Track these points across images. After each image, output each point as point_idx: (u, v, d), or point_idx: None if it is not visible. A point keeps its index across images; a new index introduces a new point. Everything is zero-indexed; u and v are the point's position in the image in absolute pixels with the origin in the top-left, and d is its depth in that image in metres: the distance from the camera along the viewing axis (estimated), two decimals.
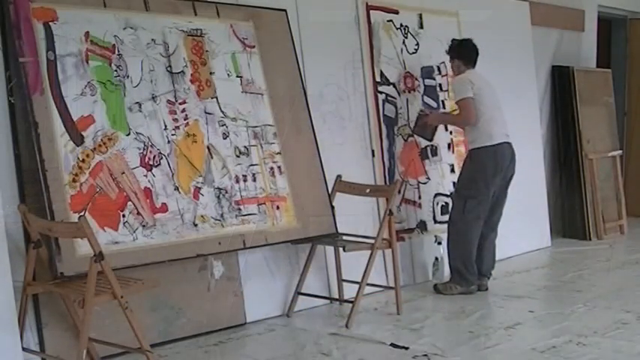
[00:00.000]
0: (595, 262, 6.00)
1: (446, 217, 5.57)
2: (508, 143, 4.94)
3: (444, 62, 5.73)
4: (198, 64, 4.21)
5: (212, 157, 4.15)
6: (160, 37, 4.08)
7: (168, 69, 4.09)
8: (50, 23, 3.68)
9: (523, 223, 6.22)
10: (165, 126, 4.00)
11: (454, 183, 5.67)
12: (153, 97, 3.99)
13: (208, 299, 4.21)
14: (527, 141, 6.51)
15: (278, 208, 4.35)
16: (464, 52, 5.09)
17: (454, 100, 4.97)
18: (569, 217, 7.00)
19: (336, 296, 4.76)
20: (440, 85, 5.69)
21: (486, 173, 4.86)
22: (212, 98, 4.23)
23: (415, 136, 5.46)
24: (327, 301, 4.77)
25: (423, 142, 5.50)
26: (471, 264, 4.91)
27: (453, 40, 5.25)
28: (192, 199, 4.00)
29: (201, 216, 4.01)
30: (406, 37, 5.52)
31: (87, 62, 3.78)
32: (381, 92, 5.28)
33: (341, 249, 4.51)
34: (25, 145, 3.58)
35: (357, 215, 4.86)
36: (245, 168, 4.27)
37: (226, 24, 4.40)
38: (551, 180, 6.97)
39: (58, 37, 3.69)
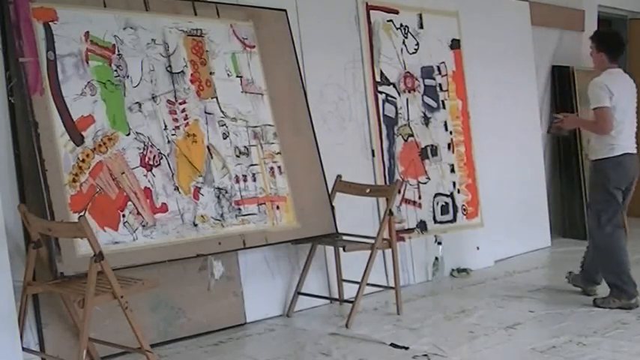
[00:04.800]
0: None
1: (446, 217, 5.59)
2: (631, 154, 4.65)
3: (444, 62, 5.73)
4: (198, 64, 4.21)
5: (212, 157, 4.15)
6: (160, 37, 4.08)
7: (168, 69, 4.09)
8: (50, 23, 3.68)
9: (523, 223, 6.23)
10: (165, 126, 4.00)
11: (453, 183, 5.68)
12: (153, 97, 3.99)
13: (208, 299, 4.21)
14: (528, 141, 6.53)
15: (278, 208, 4.35)
16: (612, 46, 4.68)
17: (590, 105, 4.61)
18: (569, 217, 7.00)
19: (336, 296, 4.76)
20: (440, 85, 5.69)
21: (611, 185, 4.60)
22: (212, 98, 4.23)
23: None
24: (327, 301, 4.77)
25: (423, 142, 5.50)
26: (626, 275, 4.57)
27: (600, 31, 4.86)
28: (192, 199, 4.00)
29: (201, 216, 4.01)
30: (406, 37, 5.52)
31: (87, 62, 3.78)
32: (381, 92, 5.28)
33: (341, 249, 4.51)
34: (25, 145, 3.58)
35: (357, 215, 4.86)
36: (245, 168, 4.27)
37: (226, 24, 4.40)
38: (551, 180, 6.97)
39: (58, 37, 3.69)
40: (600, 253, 4.68)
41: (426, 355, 3.75)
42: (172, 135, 4.01)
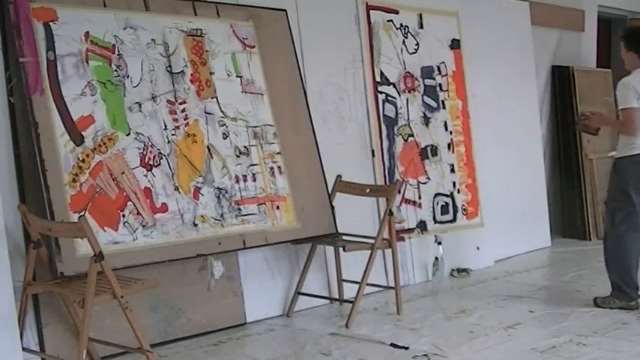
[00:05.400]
0: (595, 262, 5.97)
1: (446, 217, 5.59)
2: None
3: (444, 62, 5.73)
4: (198, 64, 4.21)
5: (212, 157, 4.15)
6: (160, 37, 4.08)
7: (168, 69, 4.09)
8: (50, 23, 3.69)
9: (523, 223, 6.23)
10: (165, 126, 4.00)
11: (453, 183, 5.68)
12: (153, 97, 3.99)
13: (208, 299, 4.21)
14: (528, 141, 6.53)
15: (278, 208, 4.35)
16: None
17: (618, 106, 4.53)
18: (569, 217, 7.00)
19: (336, 296, 4.76)
20: (440, 85, 5.69)
21: (629, 185, 4.48)
22: (212, 98, 4.23)
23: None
24: (327, 301, 4.77)
25: (423, 142, 5.50)
26: (630, 278, 4.50)
27: (628, 30, 4.81)
28: (192, 199, 4.00)
29: (201, 216, 4.01)
30: (406, 37, 5.52)
31: (87, 62, 3.78)
32: (381, 92, 5.28)
33: (341, 249, 4.51)
34: (25, 145, 3.58)
35: (357, 215, 4.86)
36: (245, 168, 4.27)
37: (226, 24, 4.40)
38: (551, 180, 6.97)
39: (58, 37, 3.69)
40: (609, 252, 4.61)
41: (426, 355, 3.75)
42: (172, 135, 4.01)
